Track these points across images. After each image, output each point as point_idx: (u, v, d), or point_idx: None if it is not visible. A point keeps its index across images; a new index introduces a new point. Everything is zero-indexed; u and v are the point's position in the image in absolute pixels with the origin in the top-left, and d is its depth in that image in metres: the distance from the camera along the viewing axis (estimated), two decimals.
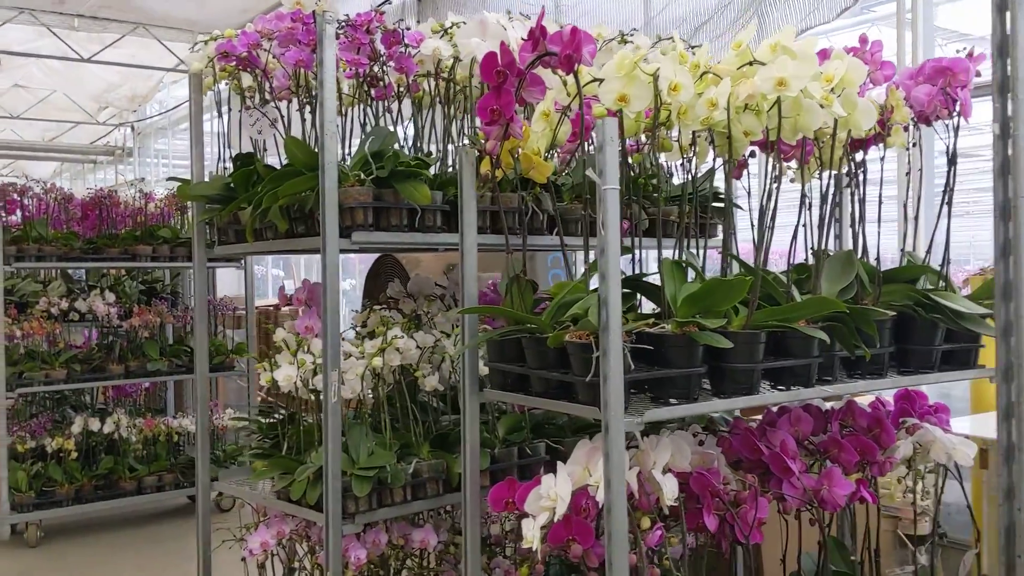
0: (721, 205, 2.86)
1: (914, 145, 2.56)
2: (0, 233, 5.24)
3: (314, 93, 2.81)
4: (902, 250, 2.68)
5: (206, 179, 3.23)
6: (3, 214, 5.46)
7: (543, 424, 3.07)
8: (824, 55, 2.22)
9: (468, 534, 2.42)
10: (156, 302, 6.34)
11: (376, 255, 4.91)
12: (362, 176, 2.58)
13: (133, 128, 13.49)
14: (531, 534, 2.11)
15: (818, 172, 2.41)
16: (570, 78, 2.20)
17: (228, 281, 7.79)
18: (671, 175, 2.80)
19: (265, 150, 2.99)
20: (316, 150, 2.61)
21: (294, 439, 2.95)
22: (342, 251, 2.58)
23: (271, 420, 3.28)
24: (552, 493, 2.11)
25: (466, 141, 2.99)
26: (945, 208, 2.47)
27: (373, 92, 2.91)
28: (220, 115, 3.07)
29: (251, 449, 3.14)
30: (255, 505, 3.27)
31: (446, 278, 4.07)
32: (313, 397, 2.84)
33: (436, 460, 2.69)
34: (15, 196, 5.61)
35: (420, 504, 2.67)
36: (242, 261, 6.15)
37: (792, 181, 2.42)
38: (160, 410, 6.85)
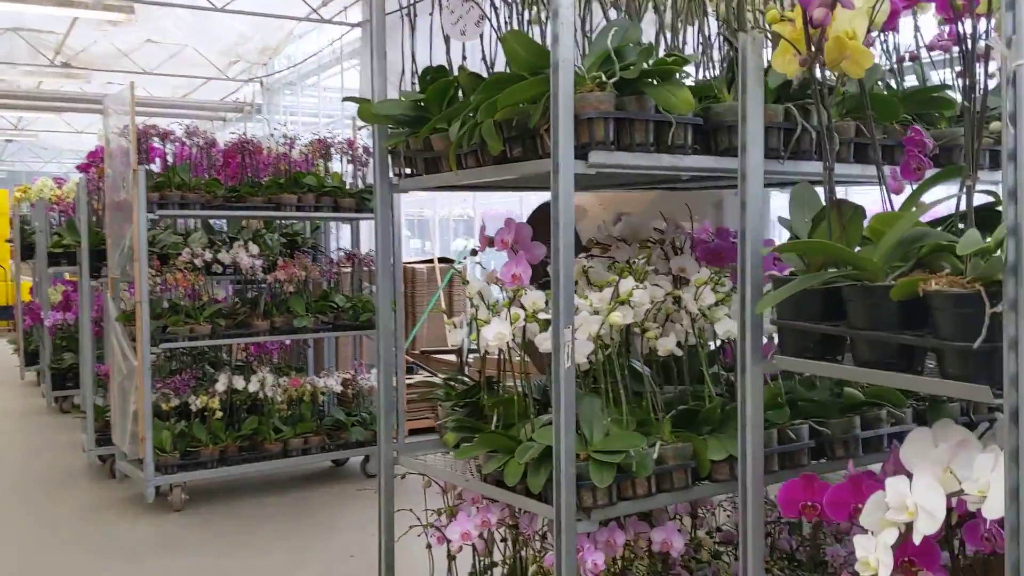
0: None
1: None
2: (143, 178, 4.91)
3: None
4: None
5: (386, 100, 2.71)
6: (144, 159, 5.13)
7: (795, 401, 2.46)
8: None
9: (750, 542, 1.85)
10: (299, 255, 5.98)
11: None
12: (603, 78, 2.01)
13: (262, 84, 13.31)
14: (873, 556, 1.53)
15: None
16: None
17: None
18: None
19: (465, 59, 2.46)
20: (544, 46, 2.05)
21: (498, 411, 2.44)
22: (576, 178, 2.03)
23: (464, 386, 2.79)
24: (909, 503, 1.52)
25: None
26: None
27: None
28: (410, 17, 2.54)
29: (447, 419, 2.64)
30: (444, 484, 2.79)
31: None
32: (523, 359, 2.31)
33: (683, 443, 2.12)
34: (156, 141, 5.28)
35: (665, 498, 2.11)
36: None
37: None
38: (300, 369, 6.52)
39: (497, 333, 2.16)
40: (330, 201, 5.57)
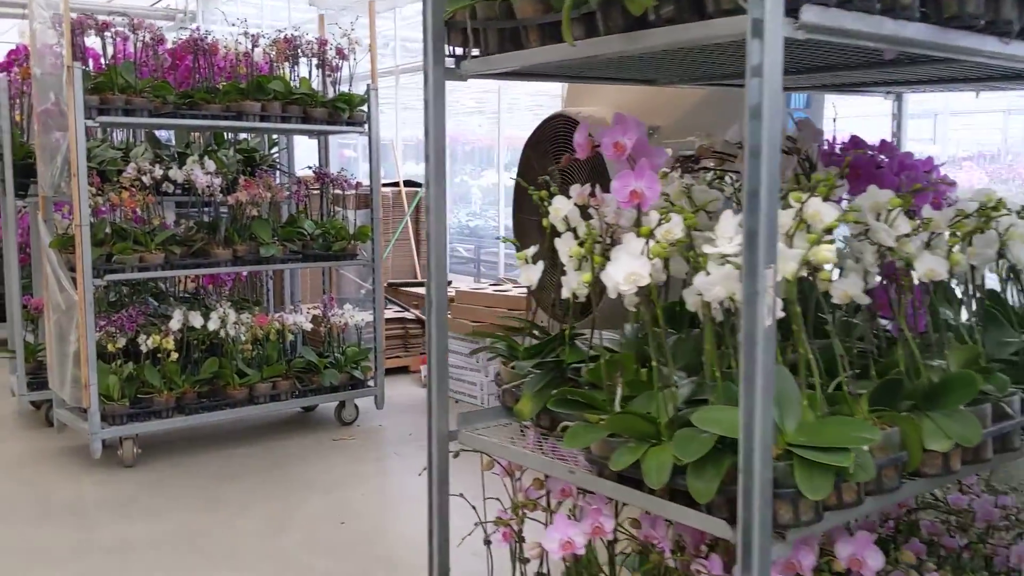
0: None
1: None
2: (79, 78, 4.11)
3: None
4: None
5: None
6: (80, 57, 4.31)
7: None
8: None
9: None
10: (261, 174, 5.24)
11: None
12: None
13: None
14: None
15: None
16: None
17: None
18: None
19: None
20: None
21: (600, 376, 1.85)
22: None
23: (537, 340, 2.19)
24: None
25: None
26: None
27: None
28: None
29: (522, 384, 2.05)
30: (507, 465, 2.20)
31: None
32: (640, 309, 1.72)
33: (890, 428, 1.55)
34: (93, 35, 4.44)
35: (872, 503, 1.55)
36: (365, 127, 5.01)
37: None
38: (257, 303, 5.82)
39: (630, 273, 1.56)
40: (298, 111, 4.83)
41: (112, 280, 4.35)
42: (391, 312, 6.50)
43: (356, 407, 5.19)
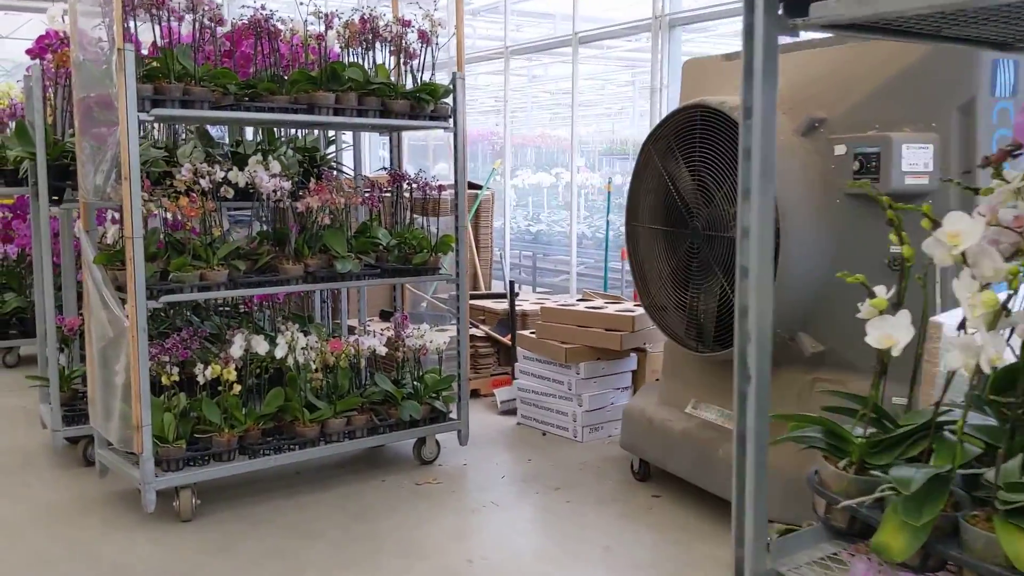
0: None
1: None
2: (131, 62, 3.46)
3: None
4: None
5: None
6: (132, 35, 3.65)
7: None
8: None
9: None
10: (329, 176, 4.61)
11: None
12: None
13: None
14: None
15: None
16: None
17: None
18: None
19: None
20: None
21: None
22: None
23: (884, 430, 1.53)
24: None
25: None
26: None
27: None
28: None
29: (879, 502, 1.38)
30: None
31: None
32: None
33: None
34: (144, 10, 3.78)
35: None
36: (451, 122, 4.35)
37: None
38: (310, 320, 5.18)
39: None
40: (376, 103, 4.18)
41: (169, 302, 3.69)
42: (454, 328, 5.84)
43: (437, 443, 4.53)
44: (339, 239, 4.17)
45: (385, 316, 6.41)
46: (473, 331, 5.93)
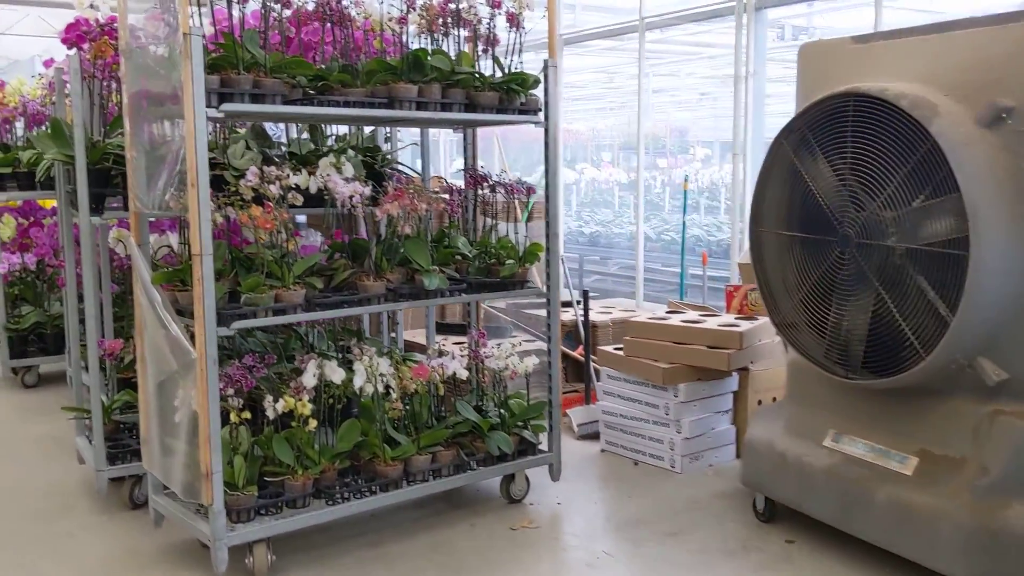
0: None
1: None
2: (200, 51, 2.95)
3: None
4: None
5: None
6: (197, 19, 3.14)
7: None
8: None
9: None
10: (402, 179, 4.10)
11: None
12: None
13: None
14: None
15: None
16: None
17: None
18: None
19: None
20: None
21: None
22: None
23: None
24: None
25: None
26: None
27: None
28: None
29: None
30: None
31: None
32: None
33: None
34: None
35: None
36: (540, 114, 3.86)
37: None
38: (358, 337, 4.68)
39: None
40: (461, 95, 3.67)
41: (241, 328, 3.18)
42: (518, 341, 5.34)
43: (527, 479, 4.04)
44: (422, 250, 3.67)
45: (441, 330, 5.92)
46: (537, 344, 5.44)
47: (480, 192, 4.04)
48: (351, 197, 3.54)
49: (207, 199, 3.02)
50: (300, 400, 3.40)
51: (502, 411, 4.01)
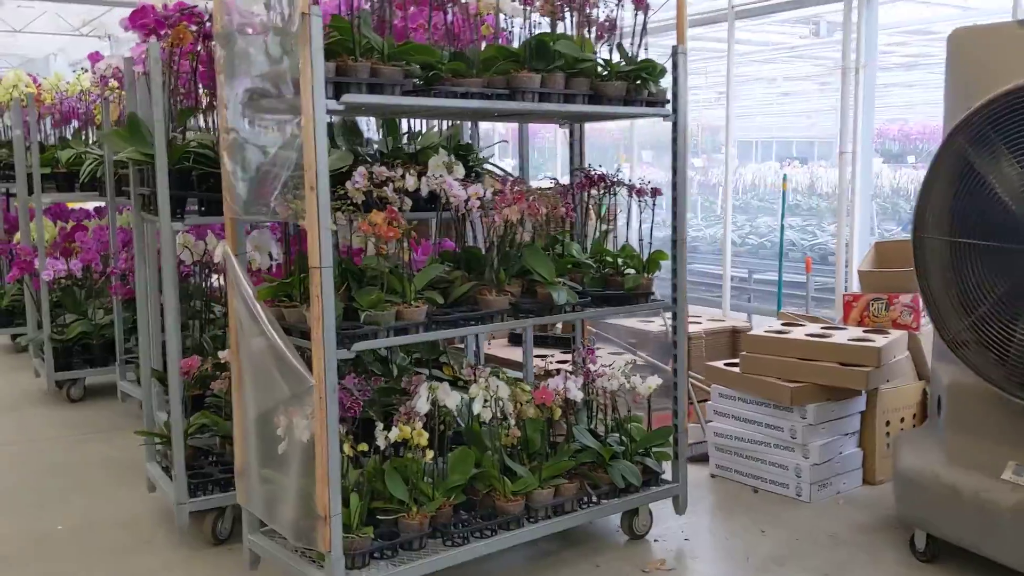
0: None
1: None
2: (319, 33, 2.57)
3: None
4: None
5: None
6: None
7: None
8: None
9: None
10: (507, 180, 3.71)
11: None
12: None
13: None
14: None
15: None
16: None
17: None
18: None
19: None
20: None
21: None
22: None
23: None
24: None
25: None
26: None
27: None
28: None
29: None
30: None
31: None
32: None
33: None
34: None
35: None
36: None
37: None
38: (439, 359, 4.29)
39: None
40: (585, 85, 3.29)
41: (362, 350, 2.79)
42: (604, 353, 4.96)
43: (650, 512, 3.65)
44: (543, 260, 3.29)
45: (515, 340, 5.55)
46: (627, 356, 5.05)
47: (596, 193, 3.66)
48: (467, 201, 3.17)
49: (327, 204, 2.63)
50: (416, 429, 3.02)
51: (623, 437, 3.63)
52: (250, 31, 2.87)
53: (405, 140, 4.02)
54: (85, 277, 5.83)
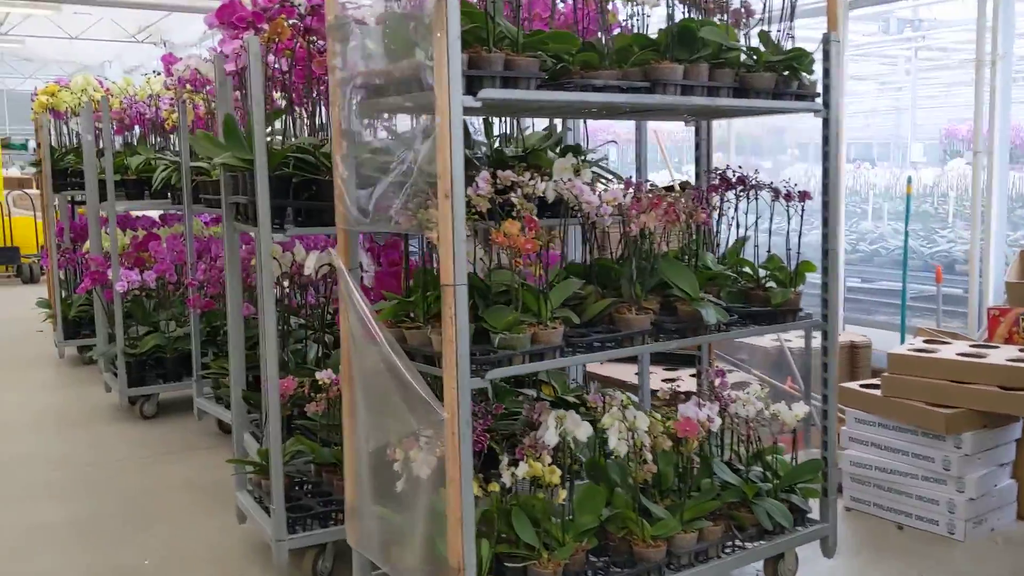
0: None
1: None
2: (457, 19, 2.25)
3: None
4: None
5: None
6: None
7: None
8: None
9: None
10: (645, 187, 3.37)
11: None
12: None
13: None
14: None
15: None
16: None
17: None
18: None
19: None
20: None
21: None
22: None
23: None
24: None
25: None
26: None
27: None
28: None
29: None
30: None
31: None
32: None
33: None
34: None
35: None
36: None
37: None
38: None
39: None
40: (730, 76, 2.93)
41: (498, 378, 2.47)
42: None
43: (796, 555, 3.27)
44: (684, 273, 2.94)
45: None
46: (740, 374, 4.68)
47: (736, 197, 3.29)
48: (600, 207, 2.83)
49: (463, 214, 2.31)
50: (549, 466, 2.68)
51: (765, 472, 3.26)
52: (369, 21, 2.56)
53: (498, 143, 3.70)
54: (159, 288, 5.59)
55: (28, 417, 5.66)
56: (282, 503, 3.17)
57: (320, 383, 3.39)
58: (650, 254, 2.93)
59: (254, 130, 3.03)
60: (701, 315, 2.84)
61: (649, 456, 2.91)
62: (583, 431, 2.82)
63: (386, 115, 2.60)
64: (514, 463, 2.71)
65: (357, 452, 2.79)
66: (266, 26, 3.20)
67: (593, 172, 3.71)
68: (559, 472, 2.69)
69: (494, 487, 2.59)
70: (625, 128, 6.41)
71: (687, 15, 2.97)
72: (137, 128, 6.58)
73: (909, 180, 4.83)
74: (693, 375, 4.32)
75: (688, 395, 3.34)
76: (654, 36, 2.92)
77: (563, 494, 2.71)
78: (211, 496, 4.11)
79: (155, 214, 7.55)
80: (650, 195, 2.92)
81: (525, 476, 2.69)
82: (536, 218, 2.61)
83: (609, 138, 4.98)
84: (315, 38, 3.27)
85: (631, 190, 2.88)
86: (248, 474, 3.54)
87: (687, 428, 2.91)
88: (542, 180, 2.81)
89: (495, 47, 2.49)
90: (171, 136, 6.54)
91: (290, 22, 3.27)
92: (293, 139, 3.50)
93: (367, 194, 2.63)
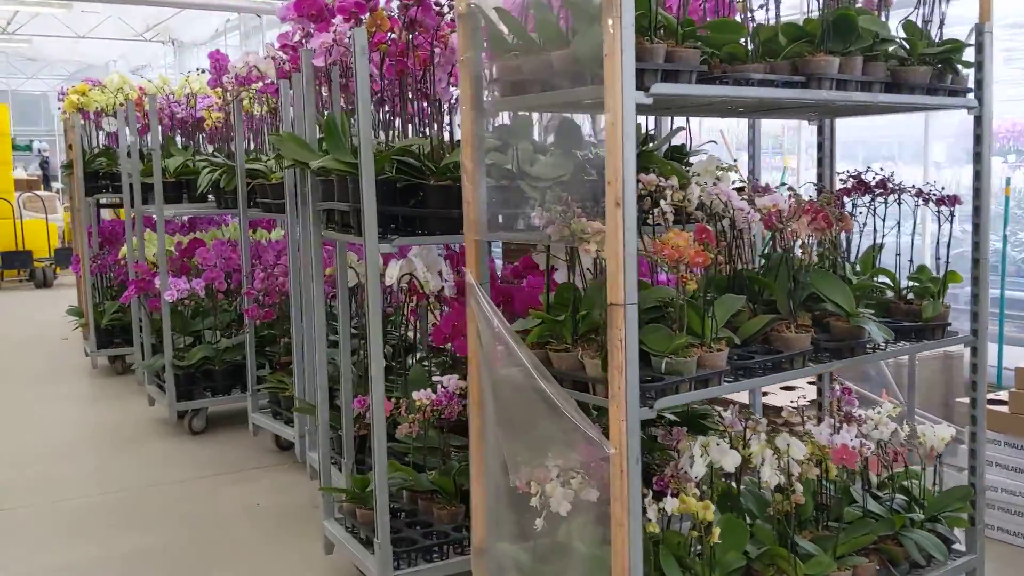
0: None
1: None
2: (632, 12, 1.99)
3: None
4: None
5: None
6: None
7: None
8: None
9: None
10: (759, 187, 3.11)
11: None
12: None
13: None
14: None
15: None
16: None
17: None
18: None
19: None
20: None
21: None
22: None
23: None
24: None
25: None
26: None
27: None
28: None
29: None
30: None
31: None
32: None
33: None
34: None
35: None
36: None
37: None
38: None
39: None
40: (882, 71, 2.66)
41: (667, 408, 2.21)
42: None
43: None
44: (838, 286, 2.67)
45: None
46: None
47: (873, 201, 3.03)
48: (744, 211, 2.57)
49: (635, 225, 2.04)
50: (703, 502, 2.42)
51: (910, 501, 3.00)
52: (510, 9, 2.30)
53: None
54: (208, 297, 5.32)
55: (70, 433, 5.38)
56: (387, 537, 2.90)
57: (417, 403, 3.14)
58: (801, 265, 2.67)
59: (360, 131, 2.76)
60: (861, 332, 2.58)
61: (799, 487, 2.66)
62: (730, 460, 2.56)
63: (526, 113, 2.34)
64: (657, 496, 2.46)
65: (488, 486, 2.52)
66: (366, 16, 2.92)
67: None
68: (712, 507, 2.43)
69: (652, 527, 2.33)
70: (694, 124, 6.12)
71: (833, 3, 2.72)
72: (177, 130, 6.32)
73: (1008, 182, 4.59)
74: (812, 383, 4.07)
75: (803, 411, 3.08)
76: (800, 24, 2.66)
77: (717, 532, 2.45)
78: (285, 522, 3.84)
79: (186, 217, 7.27)
80: (809, 202, 2.66)
81: (675, 512, 2.44)
82: (709, 228, 2.35)
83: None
84: (417, 31, 3.00)
85: (786, 196, 2.62)
86: (340, 503, 3.28)
87: (845, 457, 2.65)
88: (685, 186, 2.56)
89: (668, 37, 2.23)
90: (199, 136, 6.30)
91: (390, 13, 3.01)
92: (381, 141, 3.24)
93: (499, 201, 2.37)
